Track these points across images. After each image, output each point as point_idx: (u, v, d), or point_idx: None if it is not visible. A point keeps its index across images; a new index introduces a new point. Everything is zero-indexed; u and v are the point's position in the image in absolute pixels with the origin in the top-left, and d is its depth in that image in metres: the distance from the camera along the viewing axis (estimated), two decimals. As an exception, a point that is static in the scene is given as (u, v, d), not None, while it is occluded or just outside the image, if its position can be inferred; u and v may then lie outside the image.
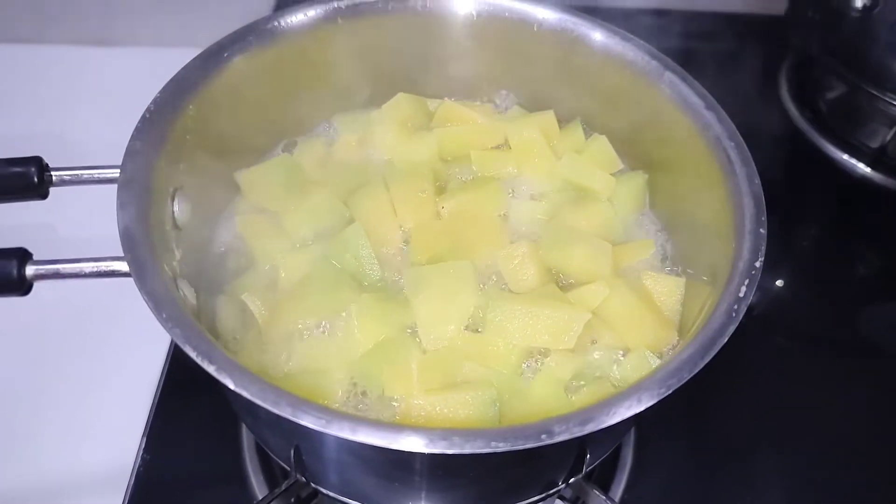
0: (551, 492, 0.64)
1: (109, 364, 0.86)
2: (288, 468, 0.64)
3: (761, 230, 0.57)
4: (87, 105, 1.14)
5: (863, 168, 1.08)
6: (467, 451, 0.43)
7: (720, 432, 0.82)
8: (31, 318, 0.85)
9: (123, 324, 0.84)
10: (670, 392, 0.48)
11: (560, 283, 0.68)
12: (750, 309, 0.91)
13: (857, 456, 0.81)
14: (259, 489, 0.76)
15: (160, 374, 0.83)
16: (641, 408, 0.47)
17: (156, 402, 0.81)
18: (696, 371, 0.48)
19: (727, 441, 0.81)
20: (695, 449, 0.81)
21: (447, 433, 0.44)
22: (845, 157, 1.09)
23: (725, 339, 0.51)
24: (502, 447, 0.43)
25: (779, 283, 0.99)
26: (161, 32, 1.26)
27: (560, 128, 0.78)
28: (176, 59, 0.67)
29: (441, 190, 0.74)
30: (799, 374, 0.88)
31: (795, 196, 1.06)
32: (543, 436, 0.44)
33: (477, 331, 0.63)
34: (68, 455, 0.81)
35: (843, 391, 0.87)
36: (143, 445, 0.78)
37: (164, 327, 0.48)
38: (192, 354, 0.47)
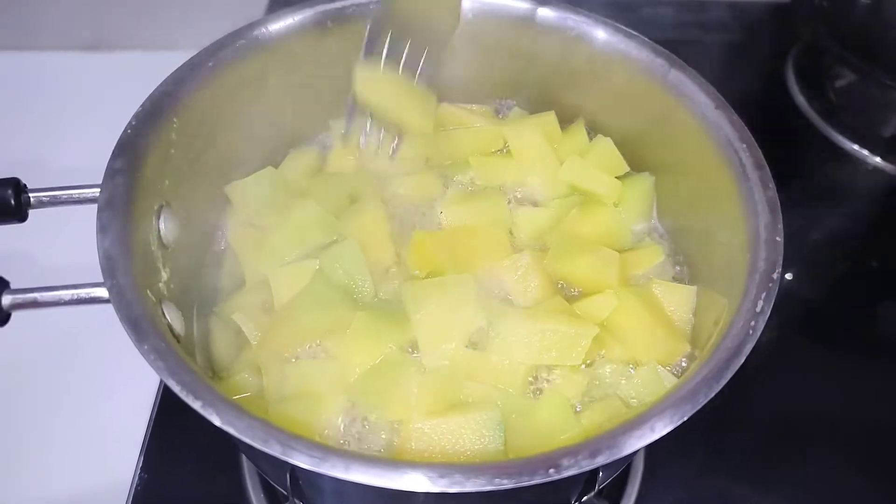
0: (562, 510, 0.62)
1: (106, 381, 0.85)
2: (285, 492, 0.61)
3: (777, 238, 0.54)
4: (75, 116, 1.12)
5: (874, 158, 1.05)
6: (469, 489, 0.40)
7: (734, 440, 0.79)
8: (27, 336, 0.83)
9: (119, 340, 0.83)
10: (685, 419, 0.45)
11: (566, 294, 0.65)
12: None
13: (882, 467, 0.79)
14: (259, 508, 0.74)
15: (157, 390, 0.81)
16: (655, 437, 0.44)
17: (153, 418, 0.79)
18: (713, 395, 0.46)
19: (742, 449, 0.79)
20: (707, 457, 0.78)
21: (447, 469, 0.41)
22: (856, 147, 1.07)
23: (743, 360, 0.48)
24: (507, 484, 0.41)
25: (788, 276, 0.96)
26: (154, 35, 1.24)
27: (562, 129, 0.76)
28: (169, 63, 0.65)
29: (440, 198, 0.72)
30: (814, 372, 0.85)
31: (805, 188, 1.03)
32: (551, 470, 0.41)
33: (480, 348, 0.61)
34: (66, 473, 0.79)
35: (862, 393, 0.84)
36: (140, 464, 0.76)
37: (147, 359, 0.46)
38: (176, 389, 0.44)
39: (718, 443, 0.78)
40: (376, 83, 0.66)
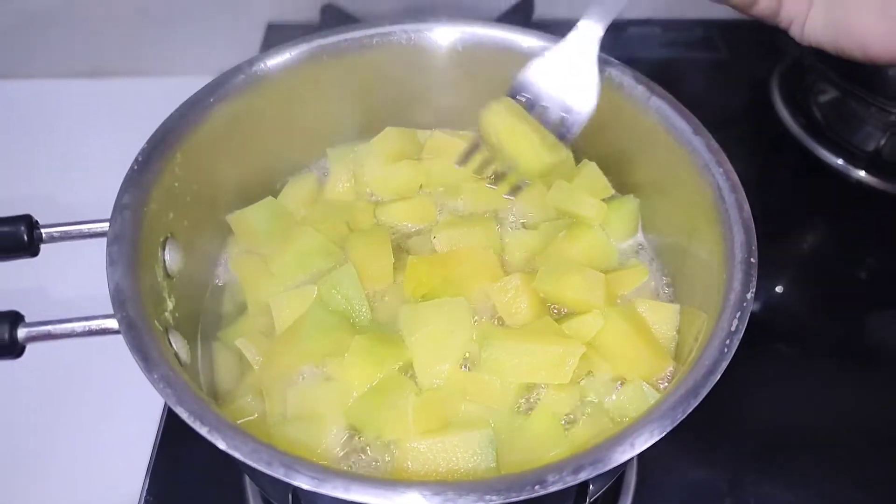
0: (555, 523, 0.64)
1: (112, 406, 0.87)
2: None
3: (752, 259, 0.57)
4: (81, 144, 1.14)
5: (858, 172, 1.08)
6: (461, 505, 0.43)
7: (725, 447, 0.81)
8: (37, 365, 0.86)
9: (125, 366, 0.85)
10: (664, 434, 0.47)
11: (555, 314, 0.68)
12: (751, 315, 0.91)
13: (866, 468, 0.80)
14: (263, 527, 0.76)
15: (162, 413, 0.83)
16: (636, 452, 0.47)
17: (158, 440, 0.81)
18: (690, 411, 0.48)
19: (733, 457, 0.81)
20: (699, 467, 0.80)
21: (441, 488, 0.44)
22: (840, 161, 1.09)
23: (718, 377, 0.50)
24: (496, 500, 0.43)
25: (778, 288, 0.98)
26: (154, 61, 1.27)
27: (550, 155, 0.78)
28: (169, 88, 0.67)
29: (434, 223, 0.75)
30: (802, 381, 0.87)
31: (791, 202, 1.06)
32: (537, 486, 0.44)
33: (473, 368, 0.63)
34: (74, 495, 0.81)
35: (849, 399, 0.86)
36: (146, 486, 0.77)
37: (156, 388, 0.48)
38: (184, 416, 0.47)
39: (710, 453, 0.80)
40: (505, 117, 0.65)
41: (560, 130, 0.65)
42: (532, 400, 0.62)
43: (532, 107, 0.65)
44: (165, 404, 0.82)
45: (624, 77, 0.71)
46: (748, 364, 0.84)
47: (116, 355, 0.83)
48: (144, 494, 0.77)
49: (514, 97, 0.65)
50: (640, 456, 0.79)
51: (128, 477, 0.79)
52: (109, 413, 0.86)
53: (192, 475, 0.78)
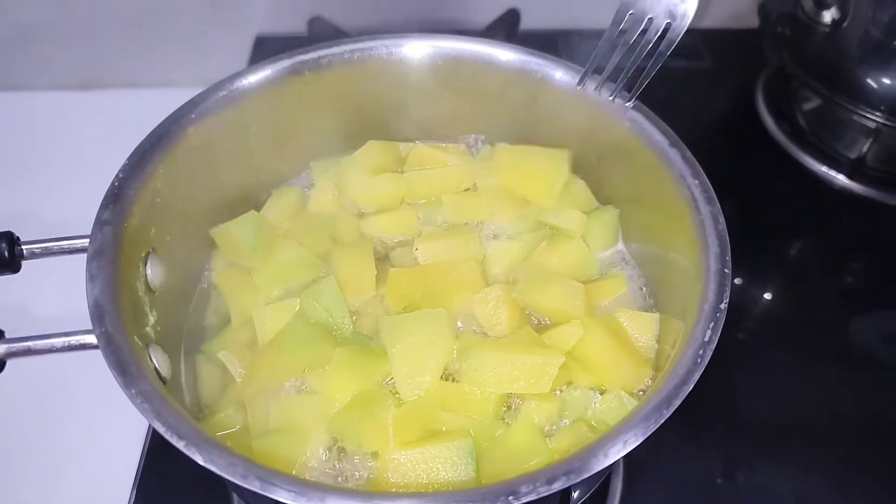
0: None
1: (99, 417, 0.87)
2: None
3: (726, 270, 0.57)
4: (68, 155, 1.14)
5: (842, 179, 1.08)
6: (434, 518, 0.43)
7: (711, 455, 0.81)
8: (21, 373, 0.86)
9: (112, 377, 0.85)
10: (638, 443, 0.48)
11: (535, 325, 0.68)
12: (738, 322, 0.91)
13: (851, 472, 0.81)
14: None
15: (149, 426, 0.83)
16: (609, 461, 0.47)
17: (144, 453, 0.81)
18: (663, 420, 0.49)
19: (719, 464, 0.81)
20: (685, 470, 0.80)
21: (415, 499, 0.44)
22: (824, 168, 1.09)
23: (691, 386, 0.51)
24: (470, 511, 0.44)
25: (766, 296, 0.99)
26: (147, 73, 1.27)
27: (531, 166, 0.79)
28: (161, 100, 0.68)
29: (416, 235, 0.75)
30: (789, 387, 0.88)
31: (776, 209, 1.06)
32: (511, 497, 0.44)
33: (453, 379, 0.63)
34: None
35: (835, 404, 0.86)
36: (133, 498, 0.77)
37: (133, 402, 0.49)
38: (162, 430, 0.47)
39: (696, 456, 0.81)
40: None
41: (668, 36, 0.67)
42: (513, 410, 0.63)
43: (640, 21, 0.67)
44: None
45: (602, 89, 0.72)
46: (738, 371, 0.86)
47: (104, 368, 0.84)
48: (131, 507, 0.77)
49: (621, 16, 0.68)
50: (627, 459, 0.80)
51: (115, 490, 0.79)
52: (96, 427, 0.86)
53: (179, 489, 0.78)
